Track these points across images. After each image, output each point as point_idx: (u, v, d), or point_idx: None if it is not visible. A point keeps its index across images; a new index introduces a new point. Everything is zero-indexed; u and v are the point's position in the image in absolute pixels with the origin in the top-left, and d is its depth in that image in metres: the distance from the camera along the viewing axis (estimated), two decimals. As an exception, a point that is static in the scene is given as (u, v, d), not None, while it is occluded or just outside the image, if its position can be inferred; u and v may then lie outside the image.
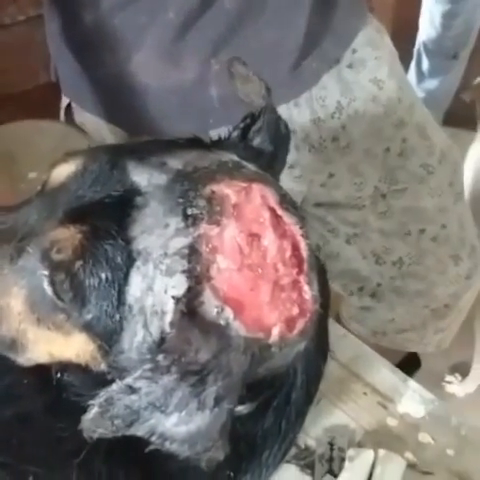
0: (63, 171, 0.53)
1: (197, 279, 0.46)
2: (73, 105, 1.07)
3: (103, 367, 0.51)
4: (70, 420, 0.51)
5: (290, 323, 0.48)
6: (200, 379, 0.44)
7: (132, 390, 0.44)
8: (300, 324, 0.49)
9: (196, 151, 0.54)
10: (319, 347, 0.60)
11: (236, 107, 0.77)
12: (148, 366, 0.44)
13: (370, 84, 1.02)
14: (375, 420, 0.74)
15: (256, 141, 0.60)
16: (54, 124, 1.06)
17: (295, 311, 0.49)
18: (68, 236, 0.48)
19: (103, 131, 1.03)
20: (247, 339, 0.46)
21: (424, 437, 0.73)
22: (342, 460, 0.70)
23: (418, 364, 1.50)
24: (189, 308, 0.46)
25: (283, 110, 0.95)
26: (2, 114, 1.00)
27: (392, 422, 0.74)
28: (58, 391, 0.55)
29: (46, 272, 0.49)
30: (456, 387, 1.67)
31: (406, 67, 2.21)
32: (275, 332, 0.48)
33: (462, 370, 1.67)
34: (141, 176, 0.50)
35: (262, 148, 0.60)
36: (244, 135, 0.60)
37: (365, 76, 1.02)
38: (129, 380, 0.44)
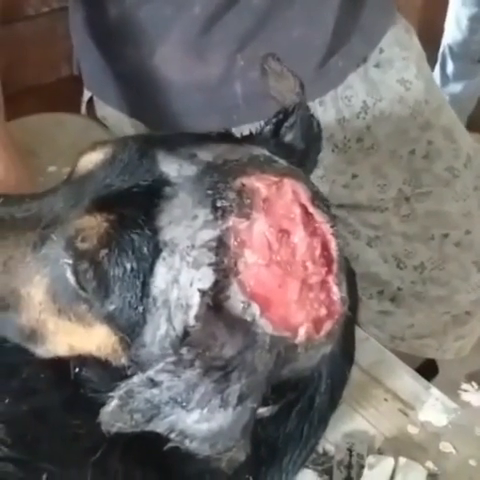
0: (91, 159, 0.53)
1: (224, 273, 0.45)
2: (95, 99, 1.06)
3: (123, 361, 0.50)
4: (87, 417, 0.50)
5: (317, 324, 0.47)
6: (224, 375, 0.43)
7: (153, 383, 0.43)
8: (327, 326, 0.48)
9: (227, 144, 0.53)
10: (345, 351, 0.58)
11: (261, 104, 0.75)
12: (171, 359, 0.43)
13: (397, 84, 1.01)
14: (395, 427, 0.72)
15: (288, 137, 0.59)
16: (75, 118, 1.06)
17: (323, 312, 0.48)
18: (94, 224, 0.48)
19: (125, 126, 1.02)
20: (273, 337, 0.45)
21: (446, 446, 0.70)
22: (361, 467, 0.68)
23: (435, 371, 1.48)
24: (215, 302, 0.45)
25: (308, 108, 0.94)
26: (23, 107, 0.99)
27: (413, 430, 0.72)
28: (75, 387, 0.54)
29: (70, 261, 0.48)
30: (472, 396, 1.64)
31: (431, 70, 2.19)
32: (302, 332, 0.46)
33: (479, 379, 1.65)
34: (170, 167, 0.50)
35: (294, 145, 0.59)
36: (276, 131, 0.59)
37: (392, 76, 1.01)
38: (151, 373, 0.43)
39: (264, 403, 0.46)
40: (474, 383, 1.71)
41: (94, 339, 0.50)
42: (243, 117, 0.92)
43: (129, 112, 1.01)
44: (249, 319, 0.45)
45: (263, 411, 0.50)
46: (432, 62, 2.22)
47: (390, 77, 1.00)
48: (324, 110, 0.97)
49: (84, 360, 0.53)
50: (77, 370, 0.54)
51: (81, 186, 0.51)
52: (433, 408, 0.74)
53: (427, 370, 1.41)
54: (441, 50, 2.25)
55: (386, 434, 0.71)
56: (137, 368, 0.48)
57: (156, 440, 0.44)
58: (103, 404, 0.44)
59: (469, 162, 1.08)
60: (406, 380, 0.77)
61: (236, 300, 0.45)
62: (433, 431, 0.72)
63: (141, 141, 0.53)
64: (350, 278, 0.53)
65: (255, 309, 0.45)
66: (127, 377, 0.45)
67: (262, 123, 0.60)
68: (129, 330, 0.48)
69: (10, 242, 0.52)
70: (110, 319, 0.48)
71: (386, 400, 0.75)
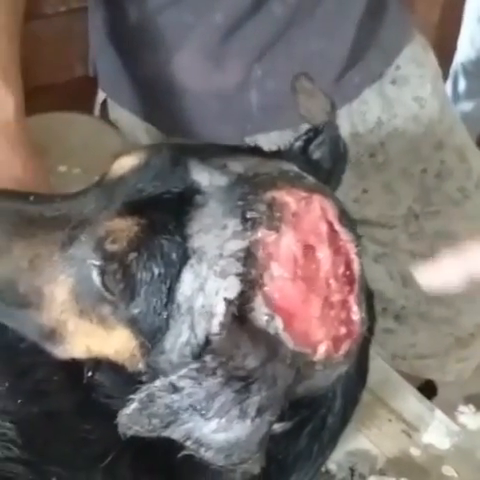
0: (124, 164, 0.53)
1: (250, 284, 0.45)
2: (109, 101, 1.05)
3: (140, 366, 0.50)
4: (98, 422, 0.51)
5: (337, 343, 0.47)
6: (245, 386, 0.43)
7: (175, 389, 0.43)
8: (346, 345, 0.48)
9: (257, 157, 0.53)
10: (359, 372, 0.58)
11: (275, 115, 0.75)
12: (194, 366, 0.43)
13: (412, 102, 1.01)
14: (398, 448, 0.71)
15: (316, 155, 0.60)
16: (87, 118, 1.05)
17: (343, 331, 0.48)
18: (124, 227, 0.48)
19: (137, 129, 1.02)
20: (294, 352, 0.45)
21: (448, 470, 0.70)
22: (362, 487, 0.67)
23: (434, 392, 1.47)
24: (240, 312, 0.45)
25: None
26: (35, 105, 0.98)
27: (415, 452, 0.71)
28: (88, 391, 0.54)
29: (97, 262, 0.48)
30: (469, 418, 1.62)
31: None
32: (321, 350, 0.46)
33: (477, 401, 1.63)
34: (202, 175, 0.50)
35: (321, 163, 0.60)
36: (305, 148, 0.60)
37: (407, 93, 1.00)
38: (173, 378, 0.43)
39: (280, 419, 0.46)
40: (471, 406, 1.69)
41: (114, 342, 0.50)
42: (257, 127, 0.92)
43: (143, 116, 1.00)
44: (272, 332, 0.45)
45: (276, 428, 0.49)
46: (444, 79, 2.21)
47: (405, 94, 1.00)
48: (338, 124, 0.97)
49: (98, 364, 0.53)
50: (90, 374, 0.54)
51: (113, 189, 0.52)
52: (437, 431, 0.73)
53: (426, 391, 1.40)
54: (453, 68, 2.22)
55: (388, 455, 0.71)
56: (153, 375, 0.48)
57: (167, 450, 0.44)
58: (115, 410, 0.44)
59: (481, 183, 1.08)
60: (411, 401, 0.76)
61: (260, 312, 0.45)
62: (436, 454, 0.71)
63: (174, 149, 0.53)
64: (369, 299, 0.53)
65: (279, 323, 0.45)
66: (141, 383, 0.45)
67: (291, 139, 0.61)
68: (151, 335, 0.48)
69: (38, 240, 0.52)
70: (133, 323, 0.48)
71: (390, 420, 0.74)
